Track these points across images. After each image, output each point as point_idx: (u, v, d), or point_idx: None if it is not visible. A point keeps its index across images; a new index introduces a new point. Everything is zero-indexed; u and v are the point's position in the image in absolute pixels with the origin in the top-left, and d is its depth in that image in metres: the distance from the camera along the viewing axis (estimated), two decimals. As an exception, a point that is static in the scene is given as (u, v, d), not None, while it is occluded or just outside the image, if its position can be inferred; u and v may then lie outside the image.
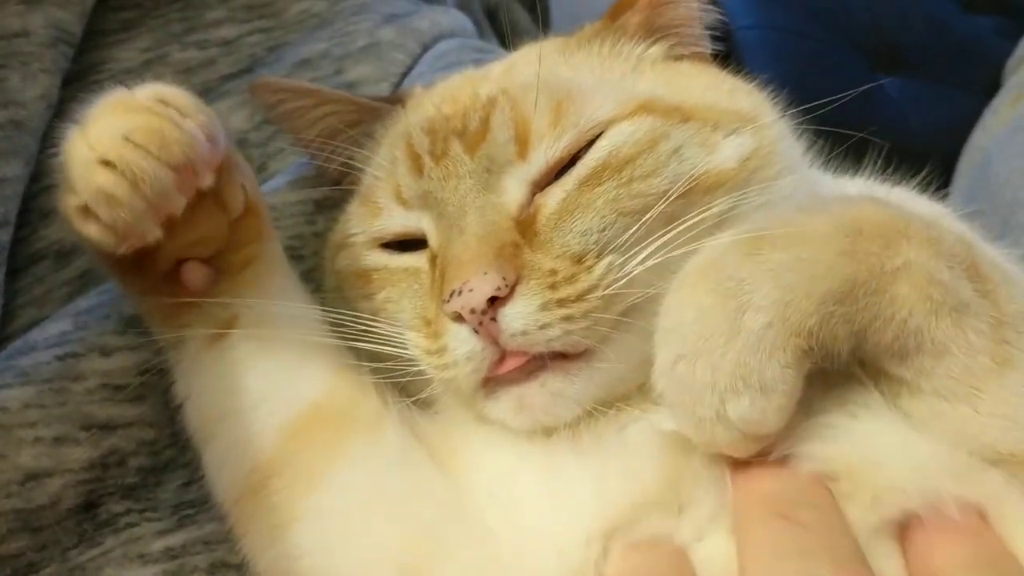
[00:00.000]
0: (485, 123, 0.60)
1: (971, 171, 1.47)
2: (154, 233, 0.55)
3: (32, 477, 0.58)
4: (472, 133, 0.61)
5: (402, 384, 0.62)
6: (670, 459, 0.52)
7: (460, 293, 0.54)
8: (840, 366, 0.50)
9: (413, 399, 0.63)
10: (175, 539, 0.61)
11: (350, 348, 0.64)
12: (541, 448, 0.56)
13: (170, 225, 0.56)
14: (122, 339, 0.63)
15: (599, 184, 0.57)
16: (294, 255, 0.72)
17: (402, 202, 0.63)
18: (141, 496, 0.62)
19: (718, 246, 0.50)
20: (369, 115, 0.70)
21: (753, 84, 0.67)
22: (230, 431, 0.59)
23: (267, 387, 0.60)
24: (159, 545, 0.60)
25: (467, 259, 0.55)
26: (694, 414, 0.47)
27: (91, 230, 0.54)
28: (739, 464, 0.49)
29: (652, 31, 0.67)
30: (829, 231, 0.48)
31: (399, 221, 0.63)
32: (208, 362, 0.61)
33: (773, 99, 0.67)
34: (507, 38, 1.33)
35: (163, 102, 0.55)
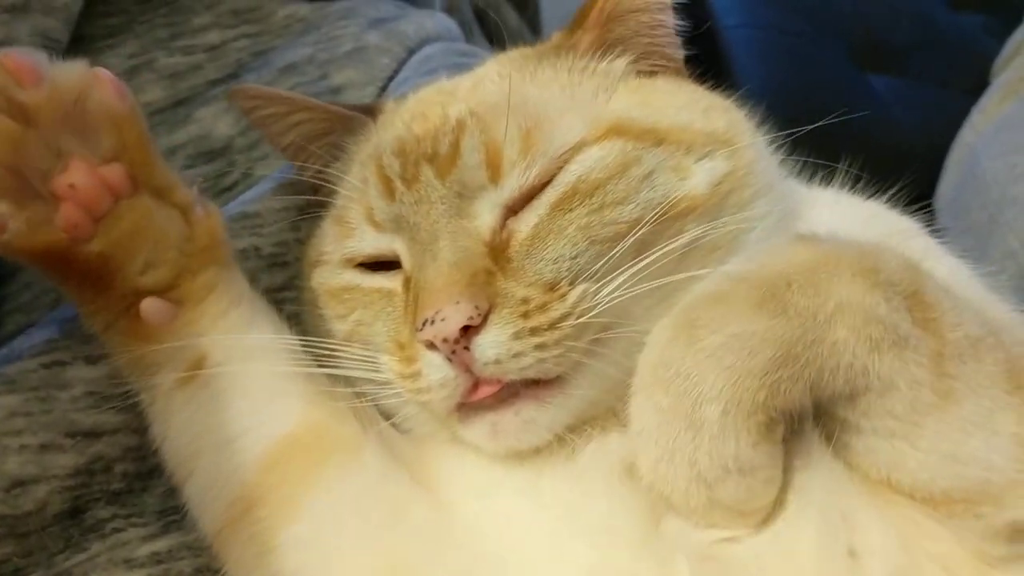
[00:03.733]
0: (455, 147, 0.60)
1: (959, 168, 1.48)
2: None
3: (18, 484, 0.59)
4: (443, 158, 0.60)
5: (381, 406, 0.63)
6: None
7: (433, 322, 0.54)
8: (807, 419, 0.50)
9: (392, 420, 0.63)
10: (161, 544, 0.62)
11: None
12: (518, 471, 0.57)
13: (104, 219, 0.56)
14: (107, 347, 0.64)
15: (570, 210, 0.57)
16: (278, 262, 0.73)
17: (374, 224, 0.62)
18: (127, 502, 0.63)
19: (661, 337, 0.50)
20: (341, 125, 0.70)
21: (731, 100, 0.67)
22: (208, 468, 0.59)
23: (242, 422, 0.59)
24: (145, 550, 0.61)
25: (439, 287, 0.55)
26: (688, 505, 0.49)
27: None
28: None
29: (610, 45, 0.66)
30: (756, 295, 0.48)
31: (371, 243, 0.63)
32: (181, 403, 0.60)
33: (752, 114, 0.67)
34: (495, 39, 1.34)
35: None
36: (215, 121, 0.83)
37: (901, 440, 0.48)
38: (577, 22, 0.67)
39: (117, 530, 0.62)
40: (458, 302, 0.54)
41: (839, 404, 0.49)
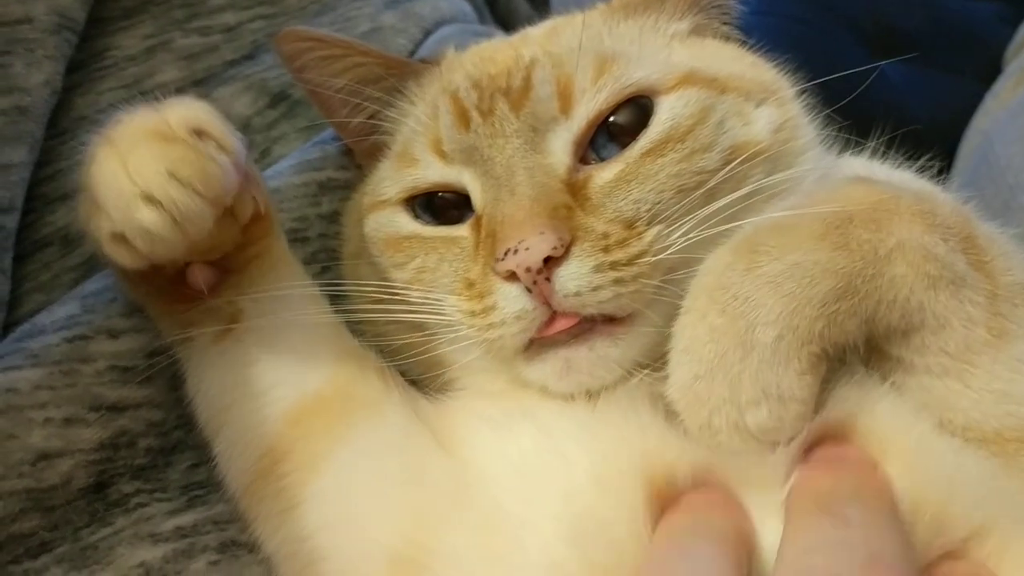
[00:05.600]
0: (527, 81, 0.61)
1: (972, 155, 1.48)
2: (182, 256, 0.57)
3: (43, 457, 0.58)
4: (516, 91, 0.60)
5: (419, 364, 0.63)
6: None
7: (516, 252, 0.54)
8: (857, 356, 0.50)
9: (419, 377, 0.64)
10: (185, 519, 0.61)
11: (358, 329, 0.65)
12: (539, 415, 0.57)
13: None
14: (129, 321, 0.64)
15: (662, 155, 0.58)
16: (298, 237, 0.73)
17: (441, 155, 0.62)
18: (151, 476, 0.63)
19: (719, 262, 0.50)
20: (398, 70, 0.70)
21: (771, 63, 0.68)
22: (238, 421, 0.60)
23: (272, 377, 0.60)
24: (169, 524, 0.61)
25: (521, 218, 0.55)
26: (709, 425, 0.48)
27: (122, 255, 0.55)
28: (804, 453, 0.49)
29: (690, 6, 0.67)
30: (819, 227, 0.49)
31: (437, 172, 0.62)
32: (215, 357, 0.61)
33: (789, 77, 0.68)
34: (507, 25, 1.34)
35: (198, 132, 0.55)
36: (232, 101, 0.82)
37: (954, 379, 0.48)
38: None
39: (141, 505, 0.61)
40: (542, 232, 0.54)
41: (893, 341, 0.49)
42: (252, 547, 0.60)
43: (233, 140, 0.57)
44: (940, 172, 0.70)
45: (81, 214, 0.57)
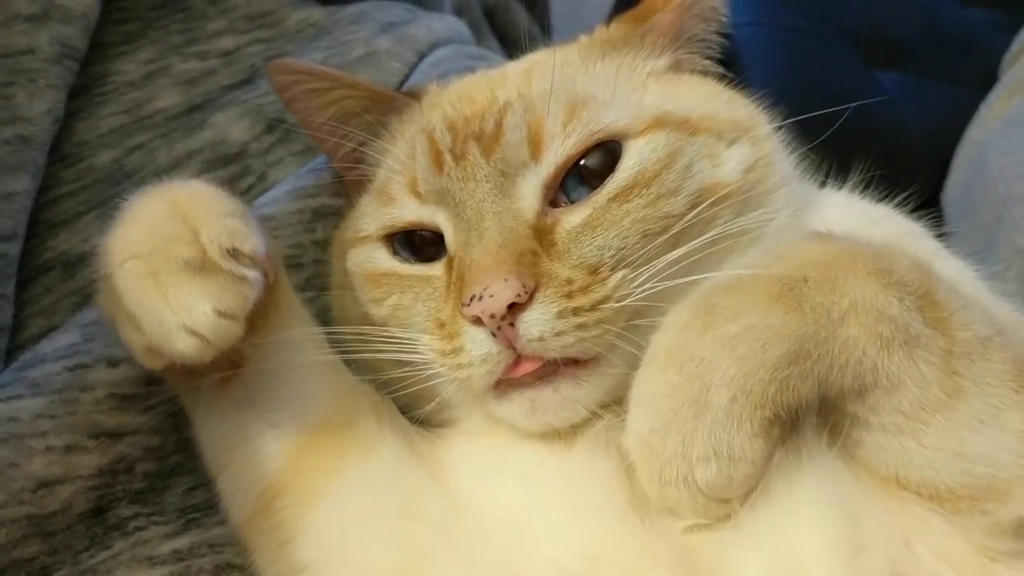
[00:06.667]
0: (499, 126, 0.62)
1: (966, 166, 1.48)
2: None
3: (44, 484, 0.60)
4: (488, 136, 0.62)
5: (407, 396, 0.64)
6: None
7: (481, 298, 0.55)
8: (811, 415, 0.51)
9: (411, 412, 0.65)
10: (182, 542, 0.63)
11: (353, 362, 0.66)
12: (520, 460, 0.59)
13: None
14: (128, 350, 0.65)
15: (627, 201, 0.59)
16: (294, 264, 0.74)
17: (417, 195, 0.64)
18: (148, 500, 0.65)
19: (678, 320, 0.51)
20: (383, 104, 0.71)
21: (750, 98, 0.69)
22: (241, 459, 0.61)
23: (273, 417, 0.61)
24: (166, 548, 0.63)
25: (487, 264, 0.57)
26: (660, 477, 0.50)
27: (152, 362, 0.57)
28: None
29: (678, 36, 0.68)
30: (774, 288, 0.50)
31: (412, 211, 0.64)
32: (219, 401, 0.62)
33: (767, 111, 0.69)
34: (505, 39, 1.35)
35: (234, 253, 0.54)
36: (230, 126, 0.84)
37: (908, 437, 0.49)
38: (644, 14, 0.69)
39: (139, 528, 0.63)
40: (506, 279, 0.55)
41: (848, 399, 0.50)
42: (246, 569, 0.62)
43: (260, 244, 0.56)
44: (921, 206, 0.70)
45: (105, 308, 0.58)
